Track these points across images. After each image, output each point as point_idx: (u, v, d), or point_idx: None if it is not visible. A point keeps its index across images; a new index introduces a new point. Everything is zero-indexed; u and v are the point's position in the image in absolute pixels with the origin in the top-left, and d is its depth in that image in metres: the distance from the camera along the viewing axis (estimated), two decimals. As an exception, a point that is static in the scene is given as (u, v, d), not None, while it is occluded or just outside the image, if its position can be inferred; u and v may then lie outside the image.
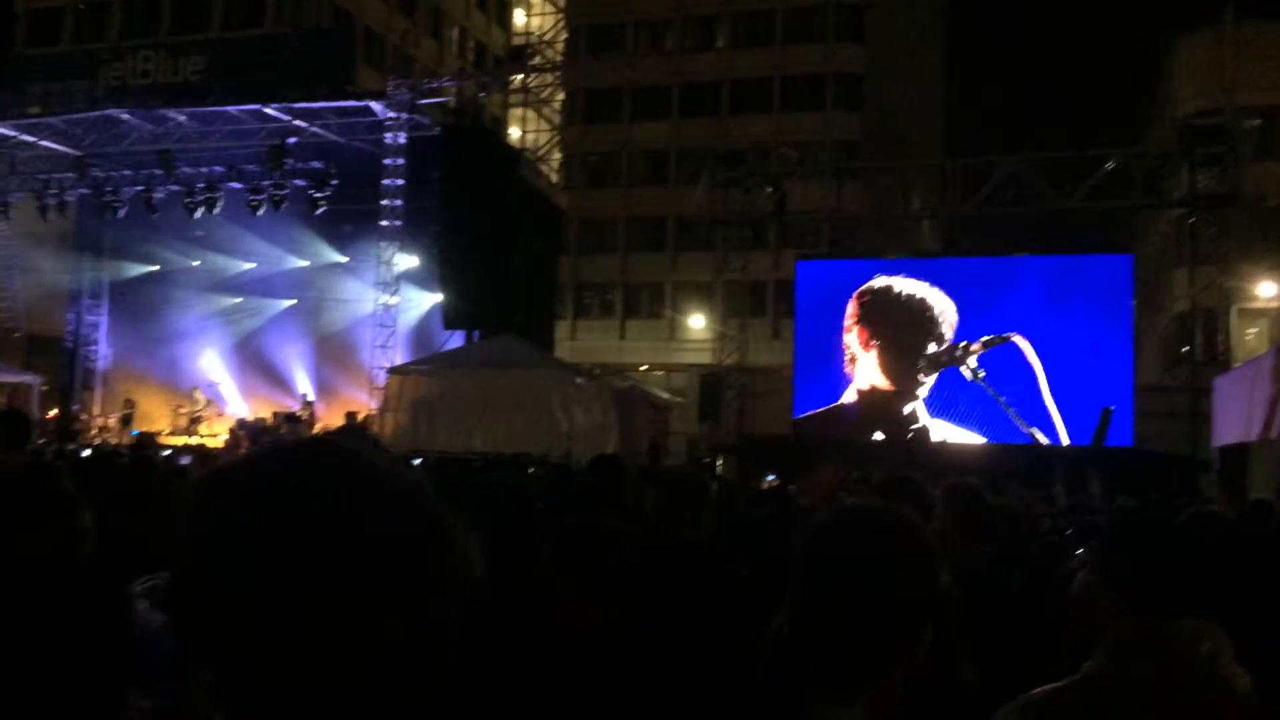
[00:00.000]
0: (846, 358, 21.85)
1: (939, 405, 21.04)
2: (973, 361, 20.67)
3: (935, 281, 21.77)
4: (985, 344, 20.71)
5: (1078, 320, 20.30)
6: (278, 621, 0.83)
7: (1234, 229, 23.87)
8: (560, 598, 2.59)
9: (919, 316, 21.39)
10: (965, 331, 21.06)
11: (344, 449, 0.94)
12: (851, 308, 21.98)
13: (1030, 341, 20.42)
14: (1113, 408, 19.57)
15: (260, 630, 0.84)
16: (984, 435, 20.32)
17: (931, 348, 21.18)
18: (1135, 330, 20.82)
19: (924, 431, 20.92)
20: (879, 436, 21.36)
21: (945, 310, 21.25)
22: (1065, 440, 19.92)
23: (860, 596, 1.55)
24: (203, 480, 0.93)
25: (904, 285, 21.82)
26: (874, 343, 21.71)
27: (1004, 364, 20.60)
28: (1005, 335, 20.59)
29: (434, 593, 0.89)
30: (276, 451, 0.95)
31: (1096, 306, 20.41)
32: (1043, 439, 20.07)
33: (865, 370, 21.73)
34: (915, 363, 21.22)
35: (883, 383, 21.58)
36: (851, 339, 21.85)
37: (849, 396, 21.83)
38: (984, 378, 20.53)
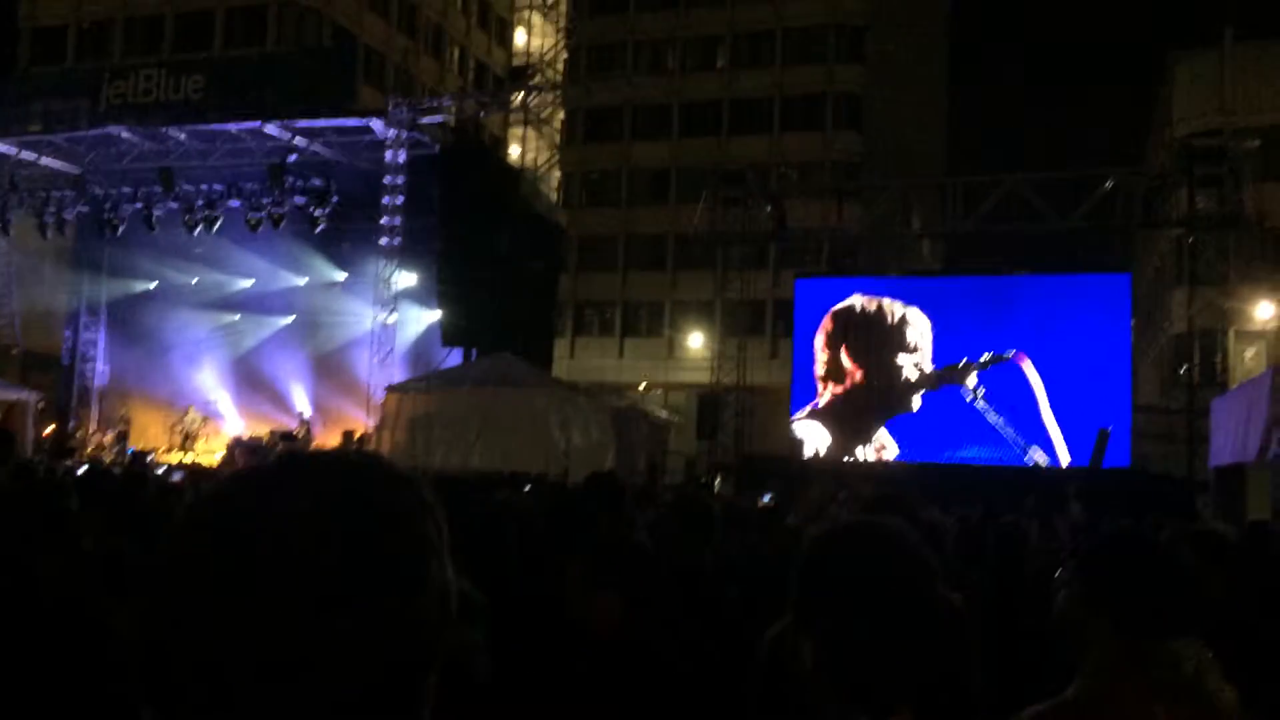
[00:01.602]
0: (819, 375, 22.13)
1: (932, 425, 21.04)
2: (972, 380, 20.69)
3: (935, 300, 21.85)
4: (984, 362, 20.74)
5: (1076, 340, 20.31)
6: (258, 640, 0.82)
7: (1232, 250, 23.89)
8: (591, 600, 2.88)
9: (887, 329, 21.67)
10: (964, 350, 21.09)
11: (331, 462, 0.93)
12: (826, 326, 22.21)
13: (1030, 360, 20.44)
14: (1110, 429, 19.54)
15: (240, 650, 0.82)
16: (980, 455, 20.30)
17: (905, 360, 21.39)
18: (1133, 350, 20.82)
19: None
20: (863, 454, 21.56)
21: (919, 325, 21.49)
22: (1065, 460, 19.90)
23: (861, 613, 1.55)
24: (192, 503, 0.92)
25: (878, 303, 22.05)
26: (851, 358, 21.97)
27: (1003, 383, 20.62)
28: (1005, 354, 20.62)
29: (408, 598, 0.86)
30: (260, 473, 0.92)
31: (1095, 326, 20.42)
32: (1042, 459, 20.04)
33: (839, 385, 22.07)
34: (889, 375, 21.48)
35: (860, 396, 21.84)
36: (825, 356, 22.15)
37: (825, 399, 22.10)
38: (983, 395, 20.54)
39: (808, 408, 22.44)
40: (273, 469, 0.91)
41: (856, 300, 22.32)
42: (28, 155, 24.41)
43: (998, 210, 21.89)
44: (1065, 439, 20.00)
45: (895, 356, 21.54)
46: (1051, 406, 20.16)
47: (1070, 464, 19.63)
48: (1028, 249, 24.12)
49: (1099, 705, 1.94)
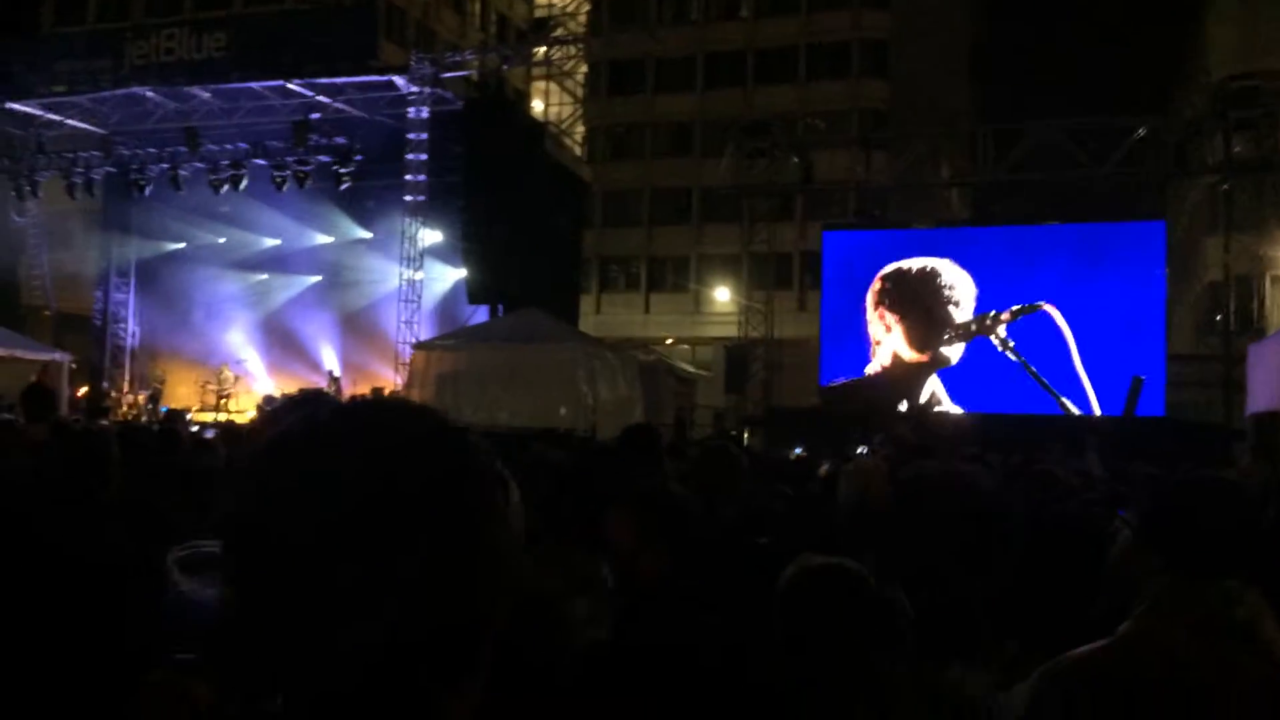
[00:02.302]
0: (872, 343, 21.82)
1: (966, 375, 20.90)
2: (1002, 331, 20.51)
3: (964, 250, 21.61)
4: (1015, 313, 20.55)
5: (1109, 289, 20.07)
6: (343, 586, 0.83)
7: (1269, 195, 23.45)
8: (629, 547, 2.89)
9: (934, 289, 21.36)
10: (994, 301, 20.88)
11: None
12: (871, 298, 21.95)
13: (1060, 310, 20.22)
14: (1143, 377, 19.35)
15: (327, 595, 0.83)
16: (1012, 405, 20.16)
17: (955, 317, 21.13)
18: (1167, 299, 20.56)
19: (930, 404, 20.98)
20: (903, 407, 21.30)
21: (959, 281, 21.20)
22: (1097, 410, 19.74)
23: (958, 558, 1.55)
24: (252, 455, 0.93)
25: (917, 263, 21.79)
26: (895, 321, 21.68)
27: (1034, 333, 20.43)
28: (1035, 304, 20.40)
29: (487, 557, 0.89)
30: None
31: (1128, 275, 20.16)
32: (1074, 409, 19.90)
33: (889, 346, 21.74)
34: (934, 335, 21.17)
35: (907, 354, 21.53)
36: (875, 328, 21.85)
37: (873, 368, 21.79)
38: (1014, 347, 20.38)
39: (867, 371, 22.07)
40: (348, 410, 0.93)
41: (901, 263, 22.00)
42: (53, 116, 24.50)
43: (1028, 159, 21.58)
44: (1097, 389, 19.83)
45: (936, 312, 21.28)
46: (1084, 356, 19.97)
47: (1103, 413, 19.48)
48: (1059, 198, 23.79)
49: (1147, 642, 1.92)
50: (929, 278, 21.55)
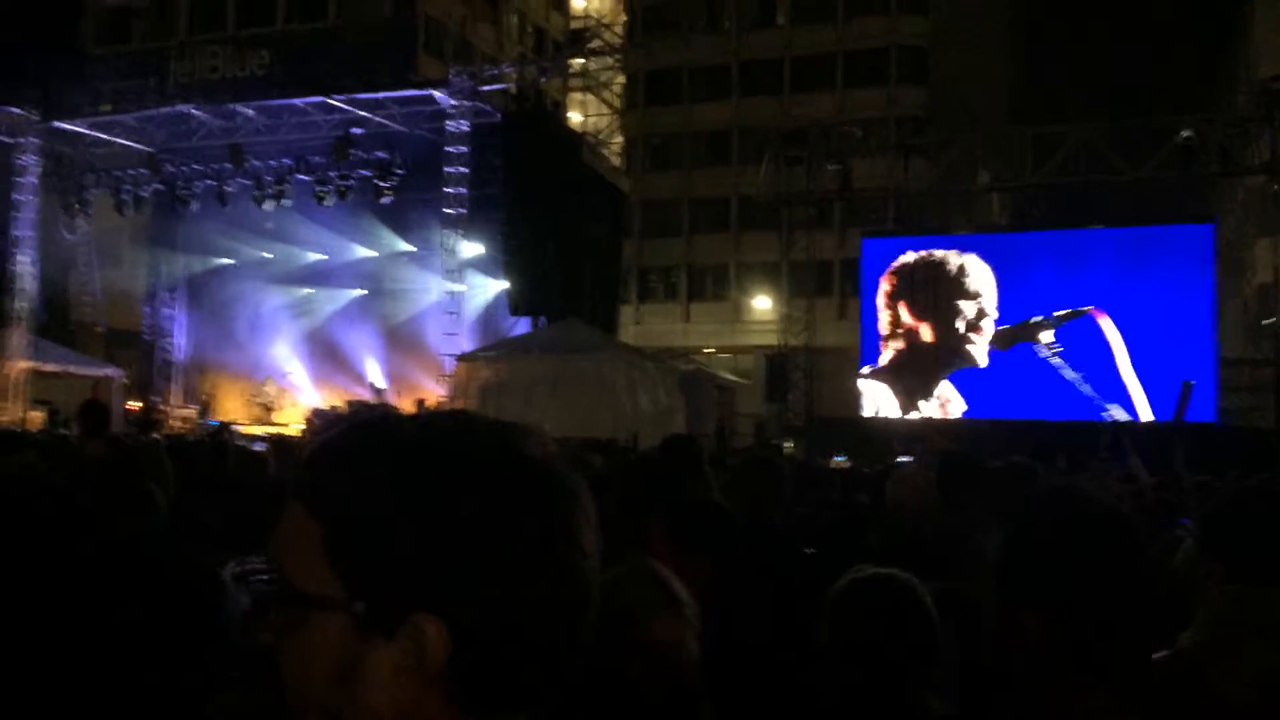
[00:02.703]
0: (883, 334, 21.93)
1: (1009, 382, 20.70)
2: (1047, 336, 20.30)
3: (1005, 256, 21.45)
4: (1059, 318, 20.34)
5: (1156, 293, 19.81)
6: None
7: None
8: (680, 561, 2.85)
9: (953, 282, 21.36)
10: (1038, 307, 20.68)
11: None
12: (885, 286, 21.95)
13: (1107, 315, 19.99)
14: (1193, 382, 19.01)
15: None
16: (1055, 413, 19.93)
17: (964, 307, 21.09)
18: (1216, 302, 20.24)
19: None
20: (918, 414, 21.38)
21: (978, 272, 21.15)
22: (1148, 416, 19.47)
23: (1097, 582, 1.54)
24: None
25: (934, 255, 21.83)
26: (912, 313, 21.73)
27: (1080, 339, 20.20)
28: (1081, 309, 20.17)
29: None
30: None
31: (1175, 278, 19.89)
32: (1122, 416, 19.64)
33: (897, 340, 21.90)
34: (951, 327, 21.23)
35: (925, 346, 21.63)
36: (883, 316, 21.95)
37: (887, 356, 21.92)
38: (1060, 353, 20.15)
39: (868, 368, 22.27)
40: (366, 425, 0.96)
41: (914, 255, 22.05)
42: (101, 135, 24.97)
43: (1070, 162, 21.35)
44: (1147, 394, 19.55)
45: (956, 306, 21.27)
46: (1132, 362, 19.71)
47: (1153, 419, 19.20)
48: (1102, 201, 23.50)
49: (1208, 653, 1.90)
50: (942, 269, 21.60)
